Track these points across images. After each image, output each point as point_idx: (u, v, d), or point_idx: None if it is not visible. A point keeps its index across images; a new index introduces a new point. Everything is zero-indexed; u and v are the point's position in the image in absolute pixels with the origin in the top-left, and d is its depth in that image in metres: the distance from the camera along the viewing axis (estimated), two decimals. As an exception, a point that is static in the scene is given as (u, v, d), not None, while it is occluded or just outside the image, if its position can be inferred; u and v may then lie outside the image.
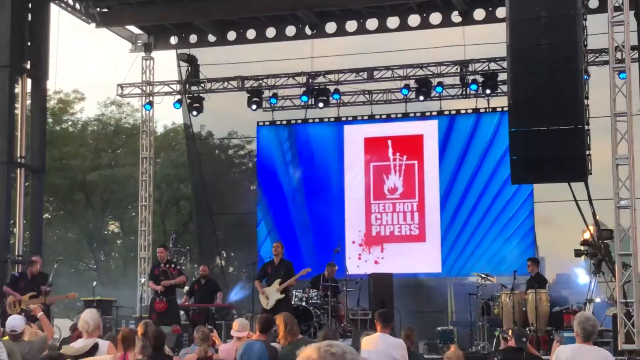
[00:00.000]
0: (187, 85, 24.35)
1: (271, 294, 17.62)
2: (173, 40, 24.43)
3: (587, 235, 17.52)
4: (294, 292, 18.57)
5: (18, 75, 20.42)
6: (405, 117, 23.85)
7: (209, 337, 11.64)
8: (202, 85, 24.30)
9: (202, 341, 11.41)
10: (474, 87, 22.69)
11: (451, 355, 11.34)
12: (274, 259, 18.11)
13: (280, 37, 23.40)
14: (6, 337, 10.13)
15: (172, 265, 18.25)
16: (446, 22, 22.14)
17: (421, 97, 23.02)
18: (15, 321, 10.49)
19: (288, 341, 10.09)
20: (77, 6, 22.32)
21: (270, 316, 11.46)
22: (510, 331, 13.66)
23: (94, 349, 8.88)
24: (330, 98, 23.68)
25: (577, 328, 8.23)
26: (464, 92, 23.25)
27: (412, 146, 23.49)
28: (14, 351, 9.57)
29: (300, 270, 18.29)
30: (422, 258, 22.93)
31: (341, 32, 23.06)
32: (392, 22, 22.54)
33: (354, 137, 23.91)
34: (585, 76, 15.88)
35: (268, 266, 18.12)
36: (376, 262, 22.98)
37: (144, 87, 24.49)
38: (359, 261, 22.87)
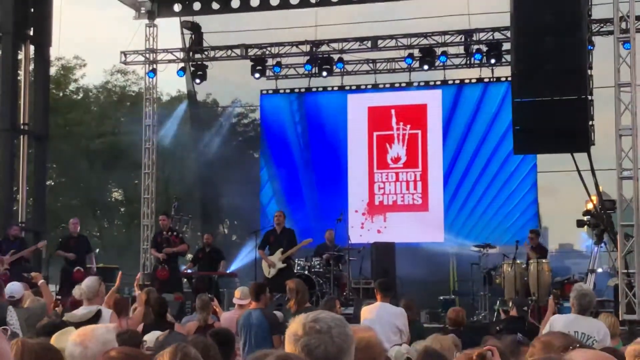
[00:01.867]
0: (191, 53, 24.29)
1: (274, 263, 17.69)
2: (177, 7, 24.30)
3: (589, 206, 17.55)
4: (296, 261, 18.63)
5: (21, 42, 20.38)
6: (409, 86, 23.81)
7: (209, 305, 11.69)
8: (206, 53, 24.23)
9: (202, 309, 11.47)
10: (478, 56, 22.59)
11: (450, 315, 11.45)
12: (275, 227, 18.15)
13: (285, 5, 23.25)
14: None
15: (174, 234, 18.31)
16: (451, -9, 22.04)
17: (425, 67, 22.94)
18: (14, 287, 10.53)
19: (296, 309, 10.19)
20: (81, -27, 22.24)
21: (261, 282, 11.56)
22: (510, 301, 13.72)
23: (97, 317, 8.91)
24: (334, 67, 23.60)
25: (573, 301, 8.29)
26: (468, 62, 23.16)
27: (415, 116, 23.46)
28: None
29: (302, 240, 18.35)
30: (425, 227, 22.94)
31: (345, 0, 22.94)
32: (397, -10, 22.44)
33: (358, 106, 23.87)
34: (590, 46, 15.86)
35: (270, 235, 18.16)
36: (379, 232, 23.01)
37: (147, 55, 24.41)
38: (361, 230, 22.90)
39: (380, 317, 10.22)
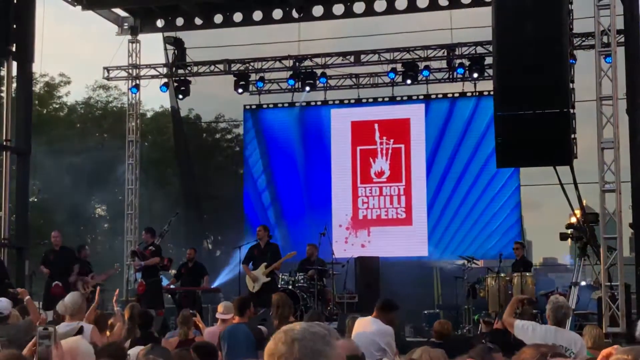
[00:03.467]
0: (174, 69, 24.29)
1: (257, 277, 17.65)
2: (159, 23, 24.33)
3: (573, 219, 17.58)
4: (280, 276, 18.60)
5: (3, 58, 20.31)
6: (392, 100, 23.86)
7: (190, 320, 11.65)
8: (189, 68, 24.23)
9: (183, 324, 11.44)
10: (460, 70, 22.67)
11: (436, 327, 11.44)
12: (259, 242, 18.12)
13: (267, 20, 23.31)
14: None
15: (149, 247, 18.19)
16: (433, 6, 22.06)
17: (408, 81, 23.00)
18: (1, 303, 10.45)
19: (277, 324, 10.13)
20: (63, -12, 22.19)
21: (245, 297, 11.49)
22: (494, 314, 13.73)
23: (79, 333, 8.86)
24: (317, 82, 23.64)
25: (549, 312, 8.33)
26: (450, 76, 23.24)
27: (398, 130, 23.50)
28: None
29: (286, 253, 18.33)
30: (409, 242, 22.98)
31: (328, 15, 22.96)
32: (379, 5, 22.46)
33: (341, 121, 23.91)
34: (571, 60, 15.91)
35: (254, 249, 18.12)
36: (363, 246, 23.02)
37: (130, 70, 24.41)
38: (345, 245, 22.89)
39: (365, 332, 10.15)
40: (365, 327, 10.29)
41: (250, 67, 23.91)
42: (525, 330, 8.32)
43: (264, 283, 17.55)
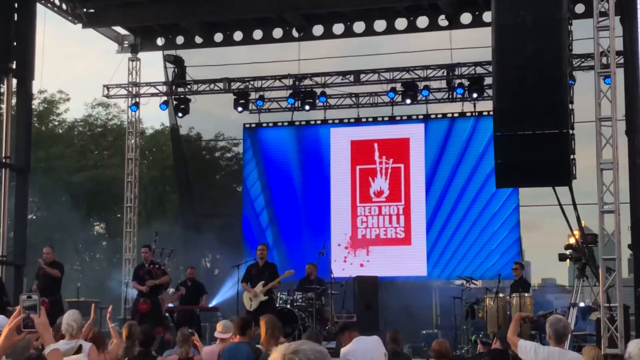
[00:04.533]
0: (174, 87, 24.32)
1: (256, 294, 17.60)
2: (160, 41, 24.39)
3: (572, 240, 17.56)
4: (278, 295, 18.55)
5: (4, 75, 20.34)
6: (392, 120, 23.88)
7: (190, 339, 11.61)
8: (189, 86, 24.26)
9: (183, 342, 11.39)
10: (460, 90, 22.71)
11: (435, 346, 11.42)
12: (258, 261, 18.08)
13: (267, 39, 23.37)
14: None
15: (157, 266, 18.21)
16: (433, 26, 22.15)
17: (408, 101, 23.06)
18: (0, 320, 10.43)
19: (270, 346, 10.03)
20: (64, 6, 22.24)
21: (247, 317, 11.44)
22: (492, 334, 13.69)
23: (79, 352, 8.85)
24: (317, 101, 23.66)
25: (549, 330, 8.30)
26: (450, 96, 23.27)
27: (398, 149, 23.50)
28: None
29: (284, 272, 18.29)
30: (408, 261, 22.94)
31: (328, 34, 23.04)
32: (379, 25, 22.53)
33: (340, 140, 23.92)
34: (571, 81, 15.94)
35: (252, 268, 18.07)
36: (362, 265, 22.98)
37: (130, 88, 24.44)
38: (344, 264, 22.85)
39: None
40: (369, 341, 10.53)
41: (250, 86, 23.95)
42: (528, 351, 8.29)
43: (262, 302, 17.49)
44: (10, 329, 4.76)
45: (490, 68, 20.11)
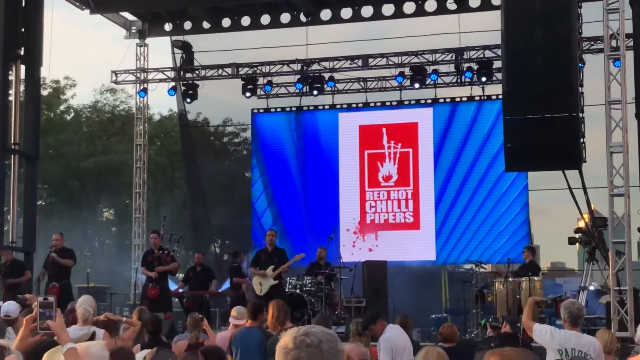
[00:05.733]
0: (182, 72, 24.30)
1: (264, 280, 17.61)
2: (167, 27, 24.36)
3: (581, 224, 17.54)
4: (288, 280, 18.56)
5: (12, 62, 20.33)
6: (400, 104, 23.83)
7: (200, 324, 11.63)
8: (197, 72, 24.25)
9: (193, 327, 11.41)
10: (469, 74, 22.66)
11: (443, 331, 11.49)
12: (267, 246, 18.09)
13: (275, 24, 23.33)
14: None
15: (166, 252, 18.23)
16: (441, 10, 22.07)
17: (416, 85, 23.02)
18: (9, 306, 10.48)
19: (277, 330, 10.05)
20: (72, -8, 22.23)
21: (259, 302, 11.45)
22: (501, 318, 13.69)
23: (92, 338, 8.86)
24: (325, 86, 23.64)
25: (564, 314, 8.30)
26: (459, 80, 23.22)
27: (406, 134, 23.46)
28: None
29: (294, 256, 18.30)
30: (416, 246, 22.93)
31: (336, 19, 22.98)
32: (387, 9, 22.46)
33: (349, 125, 23.87)
34: (580, 64, 15.88)
35: (262, 253, 18.09)
36: (370, 250, 22.97)
37: (138, 74, 24.44)
38: (353, 249, 22.85)
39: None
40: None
41: (258, 71, 23.93)
42: (544, 335, 8.28)
43: (272, 286, 17.50)
44: (25, 331, 4.78)
45: (499, 52, 20.08)
